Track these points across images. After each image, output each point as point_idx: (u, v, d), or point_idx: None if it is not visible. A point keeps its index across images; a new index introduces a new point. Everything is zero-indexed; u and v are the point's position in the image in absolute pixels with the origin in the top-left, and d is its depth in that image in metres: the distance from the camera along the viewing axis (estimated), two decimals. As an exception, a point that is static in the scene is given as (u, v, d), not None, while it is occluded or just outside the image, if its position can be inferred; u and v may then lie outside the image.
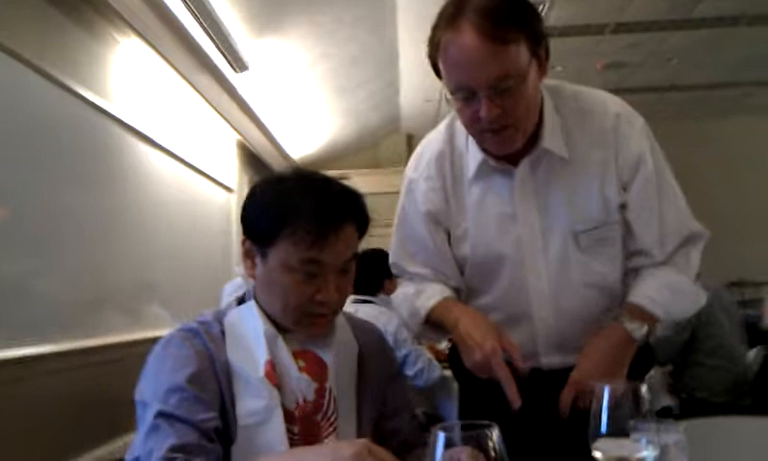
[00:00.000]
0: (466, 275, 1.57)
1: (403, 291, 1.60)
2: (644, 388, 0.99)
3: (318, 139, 6.99)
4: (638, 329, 1.42)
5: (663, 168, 1.50)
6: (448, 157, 1.54)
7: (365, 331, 1.37)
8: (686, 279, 1.49)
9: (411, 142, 7.59)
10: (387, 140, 7.69)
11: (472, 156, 1.51)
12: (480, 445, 0.70)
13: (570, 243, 1.47)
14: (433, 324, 1.53)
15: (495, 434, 0.71)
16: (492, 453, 0.70)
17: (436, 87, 6.21)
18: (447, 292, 1.53)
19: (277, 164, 6.49)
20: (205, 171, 4.98)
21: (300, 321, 1.21)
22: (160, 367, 1.15)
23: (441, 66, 1.37)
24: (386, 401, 1.34)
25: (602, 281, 1.50)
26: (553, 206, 1.48)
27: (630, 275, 1.53)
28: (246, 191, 5.58)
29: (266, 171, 6.37)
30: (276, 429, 1.13)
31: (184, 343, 1.17)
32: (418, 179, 1.57)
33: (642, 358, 1.51)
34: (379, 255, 3.15)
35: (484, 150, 1.48)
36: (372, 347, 1.35)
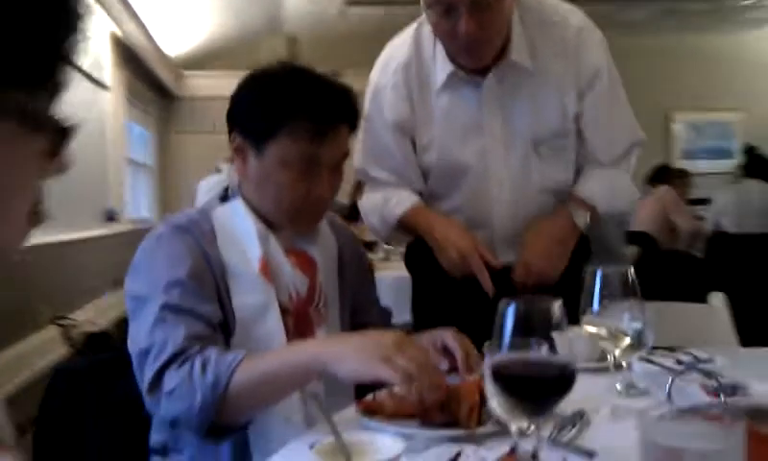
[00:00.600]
0: (429, 181, 1.62)
1: (371, 199, 1.64)
2: (631, 271, 1.09)
3: (195, 37, 6.62)
4: (582, 217, 1.56)
5: (617, 80, 1.60)
6: (415, 65, 1.56)
7: (340, 230, 1.39)
8: (626, 177, 1.62)
9: (293, 44, 7.36)
10: (268, 41, 7.41)
11: (441, 66, 1.54)
12: (544, 314, 0.75)
13: (531, 152, 1.56)
14: (402, 228, 1.60)
15: (557, 306, 0.76)
16: (554, 321, 0.75)
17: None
18: (414, 198, 1.59)
19: (154, 61, 6.11)
20: (78, 64, 4.60)
21: (293, 217, 1.22)
22: (155, 262, 1.13)
23: None
24: (359, 296, 1.39)
25: (557, 188, 1.61)
26: (516, 116, 1.55)
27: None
28: (122, 90, 5.20)
29: (142, 69, 5.98)
30: (273, 322, 1.16)
31: (177, 238, 1.15)
32: (384, 86, 1.58)
33: (582, 250, 1.64)
34: None
35: (454, 61, 1.51)
36: (349, 244, 1.39)
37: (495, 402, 0.89)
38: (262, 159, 1.18)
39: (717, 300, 1.88)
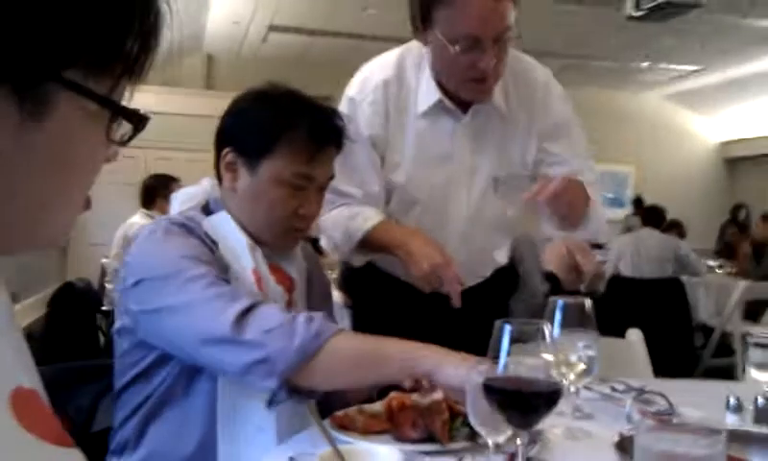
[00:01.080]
0: (391, 203, 1.67)
1: (336, 214, 1.64)
2: (588, 303, 1.19)
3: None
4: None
5: (579, 129, 1.73)
6: (394, 87, 1.62)
7: (309, 254, 1.44)
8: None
9: (211, 63, 7.31)
10: (187, 59, 7.32)
11: (425, 94, 1.61)
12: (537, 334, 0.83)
13: (491, 187, 1.66)
14: (366, 245, 1.61)
15: (548, 330, 0.84)
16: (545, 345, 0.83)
17: (245, 10, 6.08)
18: (381, 215, 1.62)
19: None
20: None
21: (281, 234, 1.26)
22: (166, 247, 1.15)
23: (441, 17, 1.45)
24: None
25: (508, 227, 1.73)
26: (484, 151, 1.65)
27: None
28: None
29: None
30: None
31: (183, 233, 1.18)
32: (361, 102, 1.63)
33: (510, 281, 1.76)
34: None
35: (445, 93, 1.59)
36: (315, 266, 1.44)
37: (478, 417, 0.95)
38: (255, 176, 1.22)
39: (634, 335, 2.04)
